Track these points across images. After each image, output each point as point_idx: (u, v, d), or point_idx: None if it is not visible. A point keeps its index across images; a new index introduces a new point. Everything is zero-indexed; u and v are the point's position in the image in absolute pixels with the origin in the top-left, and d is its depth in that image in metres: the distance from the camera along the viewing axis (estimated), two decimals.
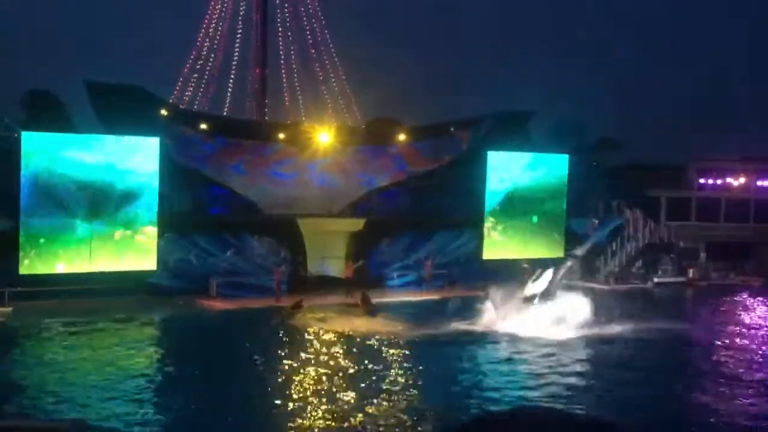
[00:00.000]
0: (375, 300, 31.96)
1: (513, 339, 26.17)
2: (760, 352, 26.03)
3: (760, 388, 20.82)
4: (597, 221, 42.66)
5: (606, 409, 18.00)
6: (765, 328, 30.55)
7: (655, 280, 41.10)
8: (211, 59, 50.87)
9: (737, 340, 27.70)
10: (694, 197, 48.22)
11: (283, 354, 23.38)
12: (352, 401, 18.23)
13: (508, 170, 40.06)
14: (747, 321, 32.20)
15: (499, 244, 40.07)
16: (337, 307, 31.33)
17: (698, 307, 36.04)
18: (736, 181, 50.73)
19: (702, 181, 51.42)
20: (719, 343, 26.89)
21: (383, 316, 29.54)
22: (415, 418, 17.04)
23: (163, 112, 36.01)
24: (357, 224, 37.01)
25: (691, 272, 41.87)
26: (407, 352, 23.96)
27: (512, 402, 18.59)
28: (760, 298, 38.23)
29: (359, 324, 28.15)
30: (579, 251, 33.52)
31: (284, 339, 25.93)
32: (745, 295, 38.88)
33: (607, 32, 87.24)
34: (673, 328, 28.06)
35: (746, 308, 35.70)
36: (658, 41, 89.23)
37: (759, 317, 33.44)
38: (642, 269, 42.12)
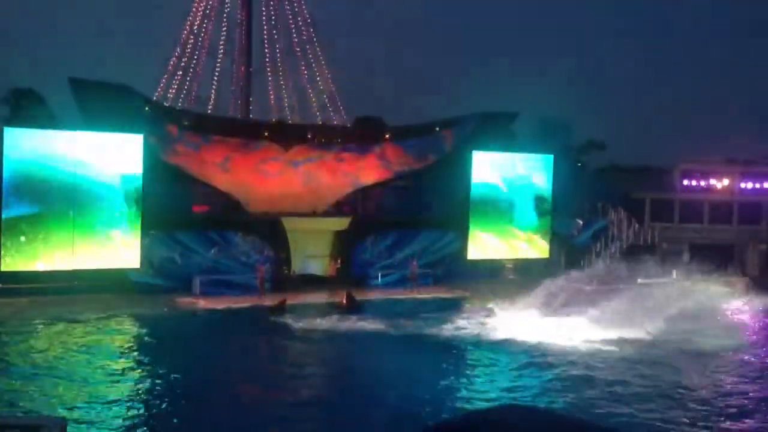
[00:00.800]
0: (360, 299, 31.87)
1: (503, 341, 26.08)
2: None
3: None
4: (581, 222, 42.77)
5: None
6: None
7: (639, 281, 41.14)
8: (195, 56, 50.65)
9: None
10: (678, 199, 48.44)
11: (261, 354, 23.25)
12: (327, 401, 18.09)
13: (493, 170, 40.09)
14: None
15: (483, 244, 40.08)
16: (321, 307, 31.18)
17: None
18: (720, 184, 50.99)
19: (686, 183, 51.64)
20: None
21: (367, 316, 29.40)
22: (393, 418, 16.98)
23: (147, 109, 35.80)
24: (342, 223, 36.94)
25: (674, 273, 41.94)
26: (390, 352, 23.86)
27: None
28: (739, 301, 37.93)
29: (342, 323, 28.01)
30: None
31: (264, 338, 25.81)
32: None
33: (593, 32, 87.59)
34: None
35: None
36: (643, 43, 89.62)
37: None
38: (626, 270, 42.13)
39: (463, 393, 19.59)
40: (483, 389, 19.95)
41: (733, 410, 18.54)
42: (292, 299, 31.32)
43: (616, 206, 43.37)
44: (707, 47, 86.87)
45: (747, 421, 17.86)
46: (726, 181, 50.76)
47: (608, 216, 43.21)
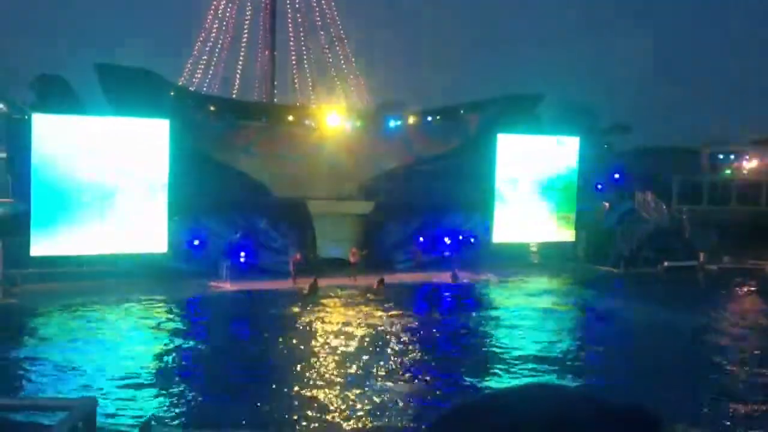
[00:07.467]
0: (386, 282, 31.90)
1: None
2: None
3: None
4: (608, 204, 42.42)
5: None
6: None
7: (666, 264, 40.81)
8: (219, 41, 50.77)
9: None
10: (706, 181, 47.91)
11: (292, 337, 23.32)
12: (352, 387, 18.08)
13: (518, 153, 39.84)
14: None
15: (509, 227, 39.91)
16: (350, 290, 31.20)
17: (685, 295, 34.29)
18: (748, 164, 50.41)
19: (714, 164, 51.09)
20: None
21: (395, 300, 29.36)
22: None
23: (173, 94, 35.97)
24: (366, 207, 36.94)
25: (702, 256, 41.55)
26: (419, 336, 23.88)
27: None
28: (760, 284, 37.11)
29: (371, 307, 28.06)
30: None
31: (293, 322, 25.89)
32: (747, 280, 37.85)
33: (619, 14, 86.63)
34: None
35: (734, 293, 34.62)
36: (670, 24, 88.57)
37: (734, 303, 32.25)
38: (653, 253, 41.81)
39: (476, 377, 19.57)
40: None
41: None
42: (320, 283, 31.35)
43: (643, 188, 42.94)
44: (734, 27, 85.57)
45: None
46: (755, 162, 50.17)
47: (635, 198, 42.80)
